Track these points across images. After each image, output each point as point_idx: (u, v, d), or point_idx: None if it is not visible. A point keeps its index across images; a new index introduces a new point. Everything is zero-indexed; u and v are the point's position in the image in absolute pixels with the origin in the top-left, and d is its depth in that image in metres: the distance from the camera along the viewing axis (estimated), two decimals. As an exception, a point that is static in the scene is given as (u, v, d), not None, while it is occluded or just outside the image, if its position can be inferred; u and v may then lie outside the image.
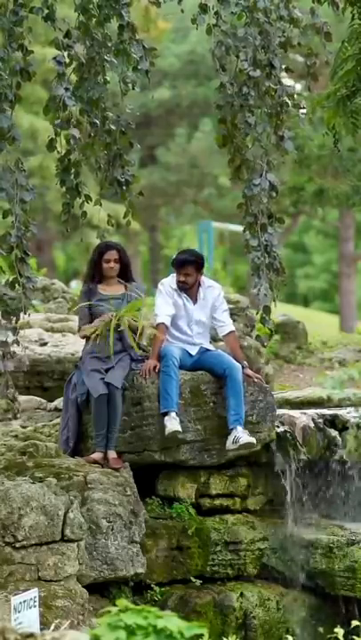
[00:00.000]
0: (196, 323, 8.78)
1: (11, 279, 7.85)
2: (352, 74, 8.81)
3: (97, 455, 8.28)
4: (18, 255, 7.80)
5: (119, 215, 10.38)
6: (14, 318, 7.83)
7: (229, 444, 8.40)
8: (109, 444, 8.30)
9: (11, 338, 7.77)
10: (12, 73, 7.89)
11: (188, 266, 8.73)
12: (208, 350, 8.79)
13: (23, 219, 7.80)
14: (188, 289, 8.76)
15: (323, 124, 9.45)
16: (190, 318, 8.76)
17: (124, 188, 8.88)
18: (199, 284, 8.81)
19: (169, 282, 8.81)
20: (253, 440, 8.39)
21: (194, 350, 8.73)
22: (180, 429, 8.22)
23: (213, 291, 8.86)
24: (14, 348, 7.82)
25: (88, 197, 8.78)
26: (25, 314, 7.83)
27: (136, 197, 8.98)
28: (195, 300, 8.79)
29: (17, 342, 7.83)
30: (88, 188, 8.96)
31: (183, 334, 8.76)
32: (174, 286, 8.77)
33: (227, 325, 8.86)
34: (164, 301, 8.69)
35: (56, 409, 10.34)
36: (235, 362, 8.62)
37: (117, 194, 8.94)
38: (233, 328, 8.92)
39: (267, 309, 8.53)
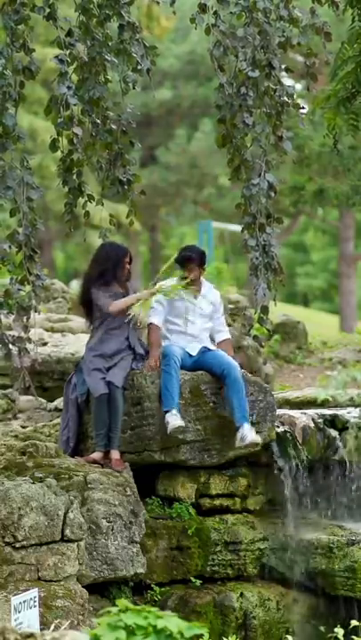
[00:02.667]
0: (200, 315, 8.81)
1: (19, 278, 7.84)
2: (352, 76, 8.81)
3: (97, 455, 8.28)
4: (26, 253, 7.80)
5: (120, 215, 10.37)
6: (25, 317, 7.81)
7: (238, 442, 8.42)
8: (112, 444, 8.30)
9: (23, 335, 7.77)
10: (15, 72, 7.88)
11: (191, 263, 8.80)
12: (208, 350, 8.80)
13: (30, 217, 7.79)
14: (191, 284, 8.82)
15: (323, 123, 9.44)
16: (195, 311, 8.79)
17: (126, 187, 8.88)
18: (200, 283, 8.88)
19: (168, 283, 8.85)
20: (259, 439, 8.45)
21: (195, 350, 8.74)
22: (183, 424, 8.24)
23: (214, 292, 8.95)
24: (26, 346, 7.82)
25: (91, 197, 8.78)
26: (36, 312, 7.82)
27: (138, 197, 8.99)
28: (196, 296, 8.84)
29: (29, 340, 7.83)
30: (90, 188, 8.97)
31: (186, 327, 8.76)
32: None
33: (223, 332, 8.99)
34: (158, 303, 8.73)
35: (56, 409, 10.36)
36: (233, 361, 8.65)
37: (119, 193, 8.94)
38: (229, 335, 9.06)
39: (265, 309, 8.53)
